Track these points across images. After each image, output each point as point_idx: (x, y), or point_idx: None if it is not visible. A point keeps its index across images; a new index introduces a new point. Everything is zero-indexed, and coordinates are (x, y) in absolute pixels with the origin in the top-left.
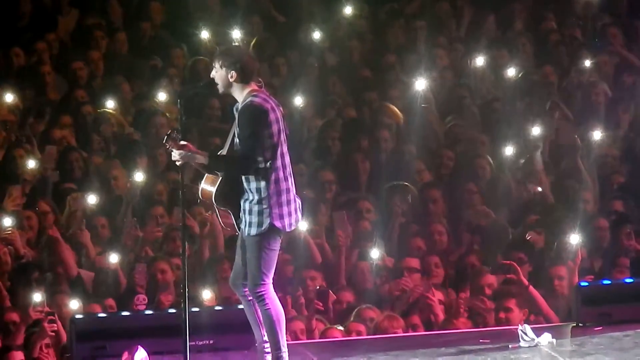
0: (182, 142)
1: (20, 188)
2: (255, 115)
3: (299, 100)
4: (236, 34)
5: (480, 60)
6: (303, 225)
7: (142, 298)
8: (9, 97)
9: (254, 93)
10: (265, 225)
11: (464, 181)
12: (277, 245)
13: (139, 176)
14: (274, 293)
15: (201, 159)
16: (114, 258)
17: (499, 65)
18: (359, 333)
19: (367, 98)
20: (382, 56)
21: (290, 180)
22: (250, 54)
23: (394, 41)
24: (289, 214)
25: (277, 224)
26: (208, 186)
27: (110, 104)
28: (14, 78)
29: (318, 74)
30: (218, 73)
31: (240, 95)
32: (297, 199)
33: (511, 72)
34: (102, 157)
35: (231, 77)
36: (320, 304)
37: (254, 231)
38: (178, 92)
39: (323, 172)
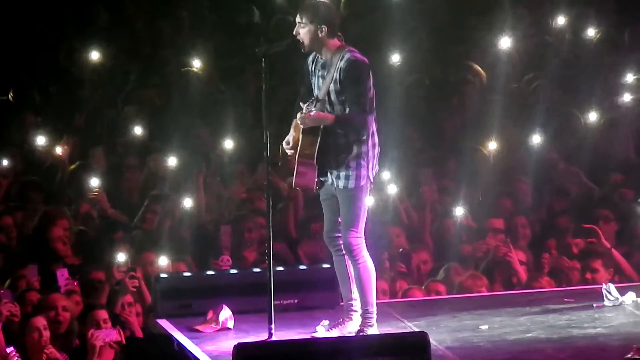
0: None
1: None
2: (363, 71)
3: (383, 59)
4: None
5: (562, 20)
6: (392, 188)
7: (225, 259)
8: (95, 55)
9: (347, 49)
10: (364, 178)
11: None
12: (367, 196)
13: (224, 135)
14: (366, 249)
15: (328, 121)
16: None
17: (580, 25)
18: (437, 293)
19: (451, 57)
20: (466, 16)
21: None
22: (334, 8)
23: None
24: (375, 166)
25: (370, 176)
26: (307, 147)
27: (196, 63)
28: (100, 36)
29: (402, 33)
30: (305, 29)
31: (327, 50)
32: None
33: (591, 32)
34: (186, 117)
35: (321, 32)
36: (403, 266)
37: (352, 184)
38: (261, 50)
39: (408, 130)
